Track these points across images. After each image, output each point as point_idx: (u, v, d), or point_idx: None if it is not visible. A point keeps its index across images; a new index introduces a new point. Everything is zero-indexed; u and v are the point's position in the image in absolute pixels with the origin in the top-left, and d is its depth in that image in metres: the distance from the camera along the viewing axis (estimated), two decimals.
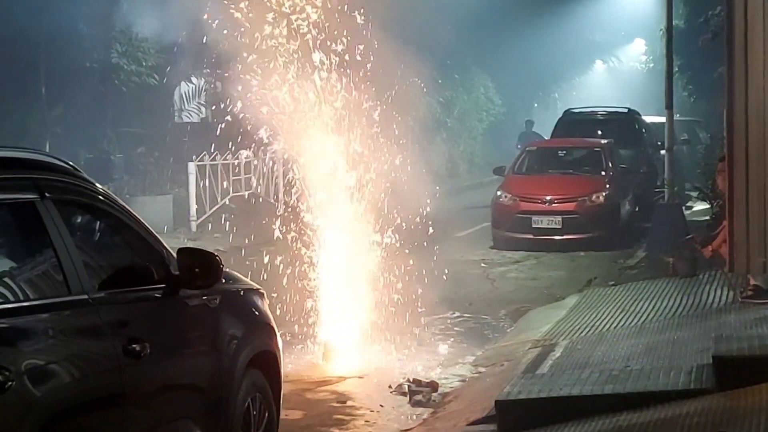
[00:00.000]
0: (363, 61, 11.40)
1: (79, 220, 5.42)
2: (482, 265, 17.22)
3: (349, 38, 11.33)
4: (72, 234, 5.08)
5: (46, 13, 20.34)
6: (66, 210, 5.12)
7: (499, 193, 19.78)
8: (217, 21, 11.27)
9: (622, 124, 23.96)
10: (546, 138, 25.10)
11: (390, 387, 9.77)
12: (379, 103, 11.57)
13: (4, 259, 4.80)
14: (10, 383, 4.27)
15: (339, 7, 11.23)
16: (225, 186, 22.40)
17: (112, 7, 21.67)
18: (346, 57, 11.37)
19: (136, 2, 21.71)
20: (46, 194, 4.96)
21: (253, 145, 14.31)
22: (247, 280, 6.84)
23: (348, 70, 11.37)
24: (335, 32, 11.29)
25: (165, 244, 5.83)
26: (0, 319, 4.47)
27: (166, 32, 20.71)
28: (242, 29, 11.16)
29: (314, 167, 11.51)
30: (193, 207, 21.42)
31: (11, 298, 4.64)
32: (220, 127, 12.99)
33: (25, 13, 19.52)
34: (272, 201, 23.45)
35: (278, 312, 10.34)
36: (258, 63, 11.17)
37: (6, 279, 4.69)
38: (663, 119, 19.28)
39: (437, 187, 15.56)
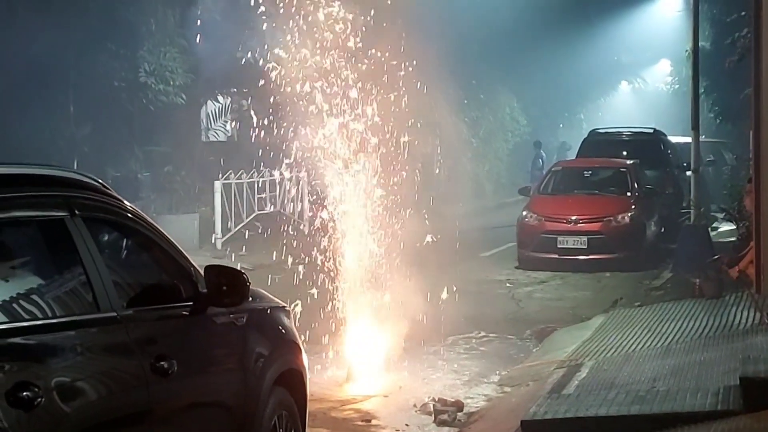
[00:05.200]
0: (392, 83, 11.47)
1: (108, 237, 5.44)
2: (507, 284, 17.19)
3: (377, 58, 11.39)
4: (101, 251, 5.09)
5: (75, 32, 20.49)
6: (95, 227, 5.13)
7: (524, 213, 19.76)
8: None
9: (648, 144, 23.95)
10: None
11: (415, 406, 9.75)
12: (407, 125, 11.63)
13: (34, 276, 4.81)
14: (39, 400, 4.29)
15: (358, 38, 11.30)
16: (250, 204, 22.49)
17: (141, 27, 21.82)
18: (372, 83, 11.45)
19: (166, 23, 21.90)
20: (76, 211, 4.98)
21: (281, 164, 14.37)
22: (273, 297, 6.85)
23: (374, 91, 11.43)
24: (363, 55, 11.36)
25: (192, 262, 5.85)
26: (29, 335, 4.50)
27: (194, 52, 20.87)
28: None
29: (339, 186, 11.53)
30: (219, 225, 21.51)
31: (40, 315, 4.66)
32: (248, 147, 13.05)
33: (55, 31, 19.67)
34: (297, 219, 23.51)
35: (302, 330, 10.35)
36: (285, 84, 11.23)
37: (35, 296, 4.70)
38: (689, 140, 19.29)
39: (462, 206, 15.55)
